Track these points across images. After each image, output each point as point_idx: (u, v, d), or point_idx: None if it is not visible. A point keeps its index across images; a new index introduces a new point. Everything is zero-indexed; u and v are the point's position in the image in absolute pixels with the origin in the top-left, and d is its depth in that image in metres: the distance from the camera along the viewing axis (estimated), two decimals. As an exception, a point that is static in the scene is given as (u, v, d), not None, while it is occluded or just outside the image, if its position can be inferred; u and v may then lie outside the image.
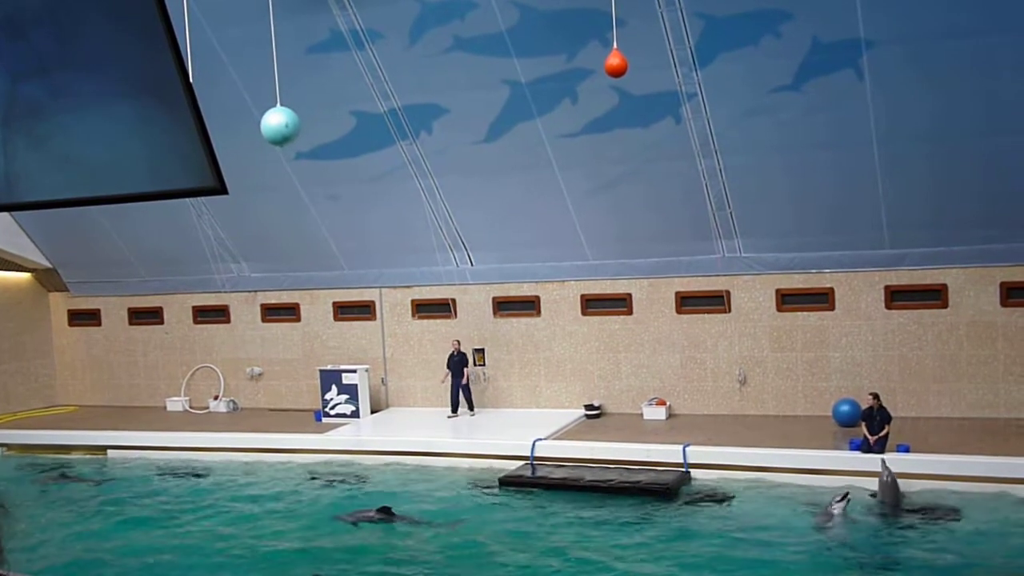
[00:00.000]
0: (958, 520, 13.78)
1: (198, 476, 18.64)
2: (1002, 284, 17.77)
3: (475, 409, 20.70)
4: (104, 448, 20.85)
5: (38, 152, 3.30)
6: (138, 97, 3.17)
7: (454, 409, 20.60)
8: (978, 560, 12.28)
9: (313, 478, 17.95)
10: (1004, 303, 17.81)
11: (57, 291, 25.27)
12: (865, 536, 13.47)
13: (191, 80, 3.15)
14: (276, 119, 9.32)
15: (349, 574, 12.88)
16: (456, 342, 20.64)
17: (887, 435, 15.60)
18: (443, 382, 20.75)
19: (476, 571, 12.78)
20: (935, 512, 14.12)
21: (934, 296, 18.22)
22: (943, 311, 18.18)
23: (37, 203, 3.58)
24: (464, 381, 20.56)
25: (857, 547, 13.02)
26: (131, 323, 24.73)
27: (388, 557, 13.43)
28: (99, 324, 25.06)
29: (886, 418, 15.68)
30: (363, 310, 22.44)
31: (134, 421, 22.41)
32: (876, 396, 16.01)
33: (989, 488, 14.65)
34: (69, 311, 25.34)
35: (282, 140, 9.51)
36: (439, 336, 21.48)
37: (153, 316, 24.47)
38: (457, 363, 20.51)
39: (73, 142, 3.28)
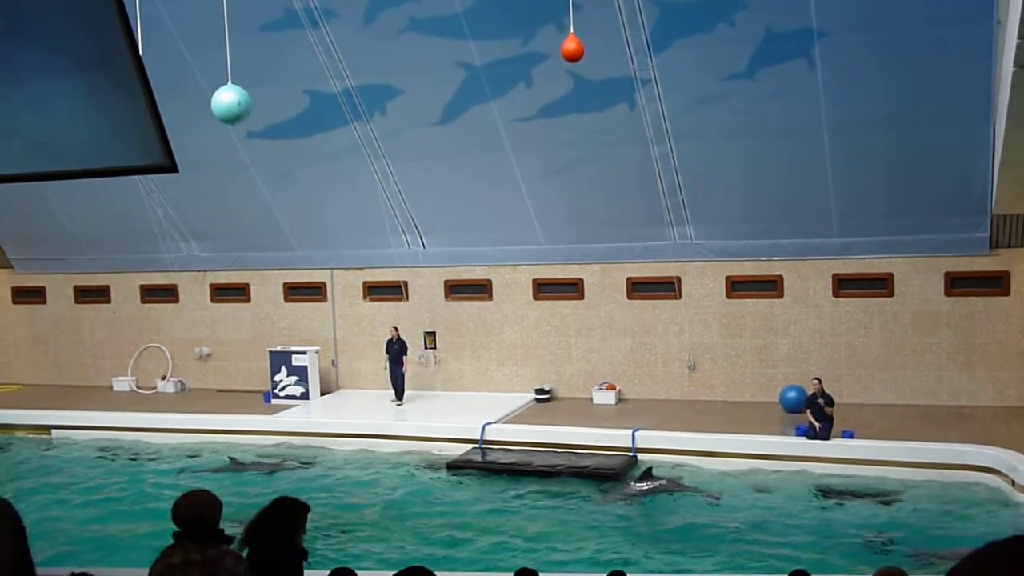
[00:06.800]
0: (899, 504, 14.06)
1: (141, 457, 18.45)
2: (946, 274, 18.09)
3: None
4: (48, 428, 20.56)
5: (-19, 125, 3.22)
6: (86, 71, 3.11)
7: (398, 395, 20.40)
8: (916, 542, 12.51)
9: (259, 460, 17.84)
10: (948, 292, 18.14)
11: (0, 268, 24.81)
12: (799, 519, 13.67)
13: (141, 55, 3.09)
14: (228, 97, 9.14)
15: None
16: (394, 328, 20.41)
17: (832, 418, 15.84)
18: (385, 368, 20.45)
19: (419, 553, 12.76)
20: (877, 496, 14.39)
21: (880, 285, 18.50)
22: (889, 299, 18.47)
23: (-20, 177, 3.50)
24: (403, 369, 20.17)
25: (790, 530, 13.19)
26: (77, 301, 24.36)
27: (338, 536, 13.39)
28: (44, 302, 24.65)
29: (829, 401, 15.94)
30: (314, 291, 22.30)
31: (79, 400, 22.12)
32: (819, 380, 16.27)
33: (930, 474, 14.99)
34: (13, 288, 24.88)
35: (234, 118, 9.32)
36: (391, 318, 21.37)
37: (100, 294, 24.11)
38: (397, 351, 20.17)
39: (17, 116, 3.20)
